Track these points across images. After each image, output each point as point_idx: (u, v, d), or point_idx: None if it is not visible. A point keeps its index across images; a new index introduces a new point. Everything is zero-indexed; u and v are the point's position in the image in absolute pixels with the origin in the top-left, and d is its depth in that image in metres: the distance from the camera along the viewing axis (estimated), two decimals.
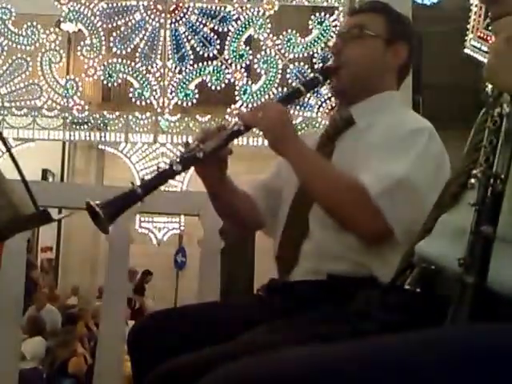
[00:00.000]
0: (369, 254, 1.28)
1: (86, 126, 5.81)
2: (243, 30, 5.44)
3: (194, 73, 5.54)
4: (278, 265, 1.41)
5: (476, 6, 4.26)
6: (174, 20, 5.47)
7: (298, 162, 1.29)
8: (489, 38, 4.17)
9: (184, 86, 5.54)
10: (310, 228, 1.34)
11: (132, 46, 5.54)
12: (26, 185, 1.02)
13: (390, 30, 1.41)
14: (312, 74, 1.45)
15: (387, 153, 1.28)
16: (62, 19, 5.68)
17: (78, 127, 5.83)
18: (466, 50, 4.35)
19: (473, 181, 0.74)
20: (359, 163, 1.29)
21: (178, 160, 1.27)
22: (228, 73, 5.49)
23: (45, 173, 8.91)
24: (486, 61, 0.78)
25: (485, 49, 4.19)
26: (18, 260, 2.13)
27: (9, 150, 1.09)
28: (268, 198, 1.48)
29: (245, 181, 1.53)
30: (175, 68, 5.55)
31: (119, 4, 5.48)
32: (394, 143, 1.29)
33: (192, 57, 5.54)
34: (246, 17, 5.43)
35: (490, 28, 4.16)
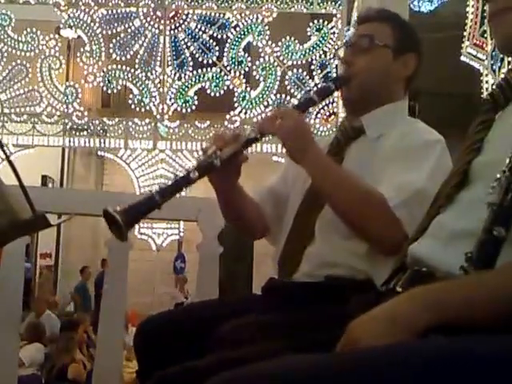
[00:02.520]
0: (369, 261, 1.29)
1: (85, 133, 5.84)
2: (242, 36, 5.48)
3: (194, 79, 5.57)
4: (279, 268, 1.41)
5: (472, 13, 4.30)
6: (173, 27, 5.51)
7: (318, 172, 1.28)
8: (484, 45, 4.20)
9: (183, 92, 5.57)
10: (316, 234, 1.35)
11: (131, 53, 5.57)
12: (24, 190, 1.02)
13: (399, 40, 1.41)
14: (324, 84, 1.49)
15: (403, 163, 1.28)
16: (61, 26, 5.71)
17: (77, 133, 5.86)
18: (463, 58, 4.38)
19: (495, 184, 0.76)
20: (373, 173, 1.29)
21: (196, 167, 1.25)
22: (227, 79, 5.53)
23: (44, 179, 8.91)
24: (481, 68, 0.79)
25: (481, 56, 4.23)
26: (17, 265, 2.12)
27: (7, 157, 1.09)
28: (274, 205, 1.48)
29: (251, 187, 1.53)
30: (174, 74, 5.58)
31: (119, 11, 5.51)
32: (409, 153, 1.29)
33: (191, 63, 5.57)
34: (245, 24, 5.46)
35: (485, 35, 4.19)
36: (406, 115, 1.47)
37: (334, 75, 5.37)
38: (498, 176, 0.75)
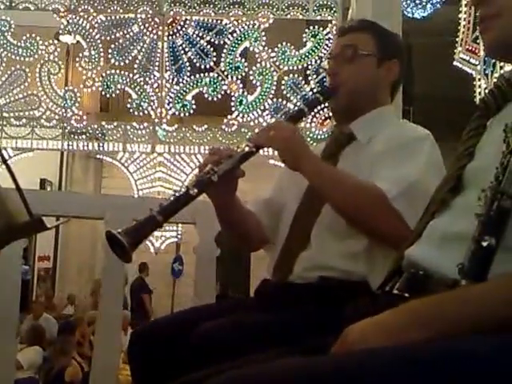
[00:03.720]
0: (364, 264, 1.30)
1: (84, 136, 5.86)
2: (239, 42, 5.52)
3: (191, 84, 5.61)
4: (273, 274, 1.41)
5: (464, 20, 4.35)
6: (171, 32, 5.55)
7: (315, 175, 1.31)
8: (477, 50, 4.26)
9: (181, 96, 5.61)
10: (311, 239, 1.36)
11: (130, 58, 5.61)
12: (20, 193, 1.04)
13: (381, 48, 1.45)
14: (313, 95, 1.50)
15: (395, 160, 1.31)
16: (60, 31, 5.75)
17: (76, 137, 5.88)
18: (455, 63, 4.43)
19: (482, 195, 0.77)
20: (368, 173, 1.32)
21: (194, 184, 1.27)
22: (224, 84, 5.57)
23: (43, 182, 8.92)
24: (474, 73, 0.82)
25: (473, 61, 4.28)
26: (14, 268, 2.13)
27: (5, 161, 1.12)
28: (271, 216, 1.49)
29: (248, 189, 1.54)
30: (172, 79, 5.63)
31: (117, 17, 5.56)
32: (400, 150, 1.33)
33: (189, 68, 5.62)
34: (242, 30, 5.51)
35: (478, 41, 4.24)
36: (394, 117, 1.51)
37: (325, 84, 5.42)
38: (484, 188, 0.77)
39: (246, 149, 1.31)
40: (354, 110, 1.44)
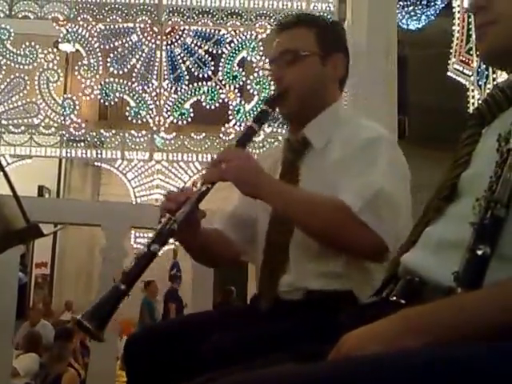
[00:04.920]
0: (346, 280, 1.30)
1: (82, 144, 5.89)
2: (237, 52, 5.57)
3: (189, 93, 5.65)
4: (260, 295, 1.40)
5: (458, 31, 4.40)
6: (169, 42, 5.60)
7: (277, 201, 1.27)
8: (470, 61, 4.31)
9: (179, 105, 5.64)
10: (290, 260, 1.33)
11: (129, 67, 5.65)
12: (17, 200, 1.07)
13: (324, 43, 1.39)
14: (259, 109, 1.42)
15: (355, 167, 1.28)
16: (60, 40, 5.78)
17: (74, 145, 5.90)
18: (449, 73, 4.47)
19: (476, 204, 0.78)
20: (330, 185, 1.29)
21: (154, 238, 1.22)
22: (222, 93, 5.61)
23: (41, 189, 8.94)
24: (467, 84, 0.84)
25: (467, 72, 4.33)
26: (11, 275, 2.14)
27: (2, 167, 1.14)
28: (240, 229, 1.46)
29: (215, 213, 1.48)
30: (171, 88, 5.67)
31: (116, 26, 5.60)
32: (357, 155, 1.29)
33: (187, 77, 5.66)
34: (240, 40, 5.56)
35: (471, 52, 4.30)
36: (346, 115, 1.44)
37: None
38: (479, 197, 0.77)
39: (203, 188, 1.27)
40: (305, 113, 1.39)
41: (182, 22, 5.56)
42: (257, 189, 1.26)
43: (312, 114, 1.40)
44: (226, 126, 5.60)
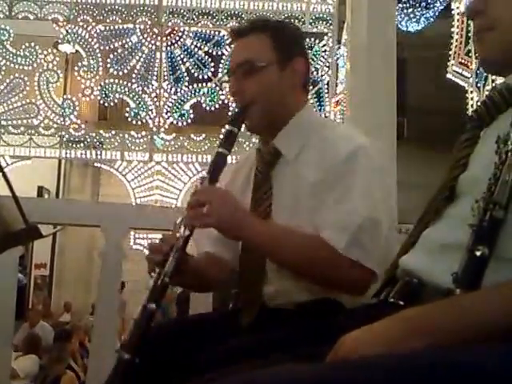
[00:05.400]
0: (330, 290, 1.26)
1: (82, 145, 5.90)
2: None
3: (189, 94, 5.67)
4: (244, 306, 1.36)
5: (457, 34, 4.43)
6: (169, 43, 5.62)
7: (259, 241, 1.23)
8: (469, 63, 4.33)
9: (179, 106, 5.66)
10: (268, 273, 1.30)
11: (128, 68, 5.67)
12: (16, 201, 1.07)
13: (281, 49, 1.33)
14: (224, 130, 1.33)
15: (334, 193, 1.22)
16: (59, 41, 5.80)
17: (74, 145, 5.91)
18: (448, 75, 4.49)
19: (475, 205, 0.78)
20: (303, 205, 1.25)
21: (149, 298, 1.20)
22: (221, 94, 5.63)
23: (40, 190, 8.95)
24: (466, 85, 0.84)
25: (466, 74, 4.35)
26: (10, 277, 2.11)
27: (2, 169, 1.14)
28: (228, 246, 1.41)
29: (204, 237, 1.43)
30: (171, 89, 5.68)
31: (116, 27, 5.62)
32: (334, 178, 1.23)
33: (187, 78, 5.68)
34: None
35: (470, 54, 4.32)
36: (314, 122, 1.37)
37: (327, 95, 5.47)
38: (478, 199, 0.78)
39: (185, 234, 1.23)
40: (272, 123, 1.33)
41: (181, 24, 5.58)
42: (239, 231, 1.22)
43: (279, 124, 1.34)
44: (226, 126, 5.59)
